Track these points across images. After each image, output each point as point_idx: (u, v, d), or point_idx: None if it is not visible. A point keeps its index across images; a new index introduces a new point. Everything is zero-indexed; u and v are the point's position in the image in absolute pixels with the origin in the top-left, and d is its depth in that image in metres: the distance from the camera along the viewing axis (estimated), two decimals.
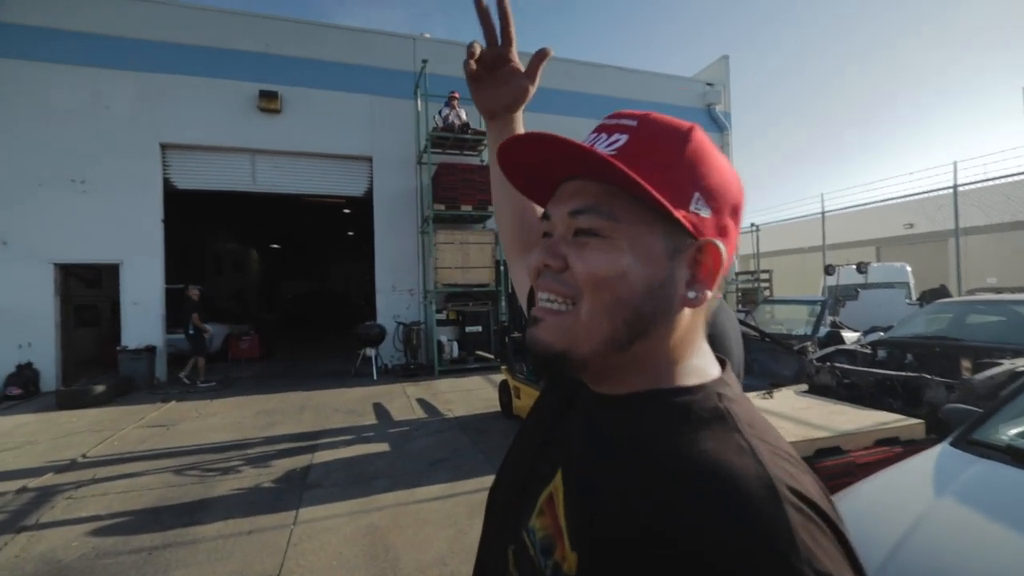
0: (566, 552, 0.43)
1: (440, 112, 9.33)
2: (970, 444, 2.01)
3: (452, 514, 3.32)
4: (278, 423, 5.82)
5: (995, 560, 1.32)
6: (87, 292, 9.56)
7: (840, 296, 10.19)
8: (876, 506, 1.72)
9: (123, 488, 3.90)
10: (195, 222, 13.47)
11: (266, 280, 22.46)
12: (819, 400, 4.39)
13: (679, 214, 0.43)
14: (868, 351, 5.09)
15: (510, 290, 6.39)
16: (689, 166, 0.45)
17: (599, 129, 0.48)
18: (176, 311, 8.69)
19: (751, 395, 4.59)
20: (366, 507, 3.46)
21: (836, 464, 2.56)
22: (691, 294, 0.45)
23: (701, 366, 0.48)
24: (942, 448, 2.06)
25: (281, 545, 2.96)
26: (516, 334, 5.90)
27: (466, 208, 9.00)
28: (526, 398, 5.24)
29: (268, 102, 9.08)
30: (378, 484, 3.88)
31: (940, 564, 1.38)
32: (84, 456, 4.73)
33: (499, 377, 6.64)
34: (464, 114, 9.40)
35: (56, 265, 8.06)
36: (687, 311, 0.46)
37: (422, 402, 6.72)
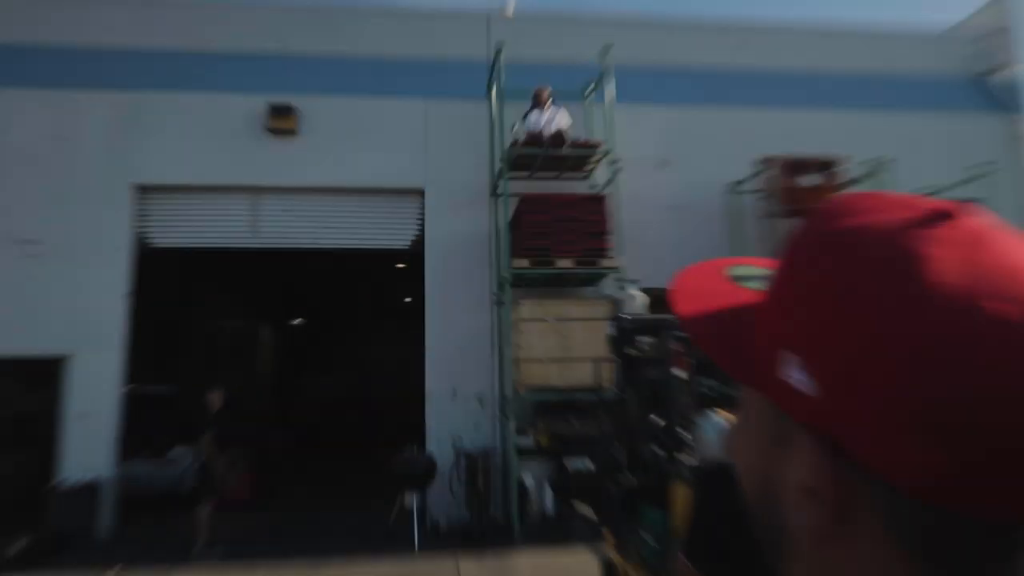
0: None
1: (524, 118, 9.31)
2: None
3: None
4: None
5: None
6: (25, 398, 9.92)
7: None
8: None
9: None
10: (178, 292, 14.16)
11: (280, 375, 22.76)
12: None
13: (764, 383, 0.47)
14: None
15: (620, 391, 6.08)
16: (784, 318, 0.47)
17: None
18: (139, 428, 8.78)
19: None
20: None
21: None
22: (797, 515, 0.46)
23: None
24: None
25: None
26: (628, 478, 5.54)
27: (565, 264, 8.83)
28: None
29: (280, 120, 9.55)
30: None
31: None
32: None
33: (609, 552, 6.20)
34: (562, 118, 9.31)
35: None
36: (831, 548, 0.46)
37: None
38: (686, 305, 0.56)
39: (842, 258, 0.43)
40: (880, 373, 0.39)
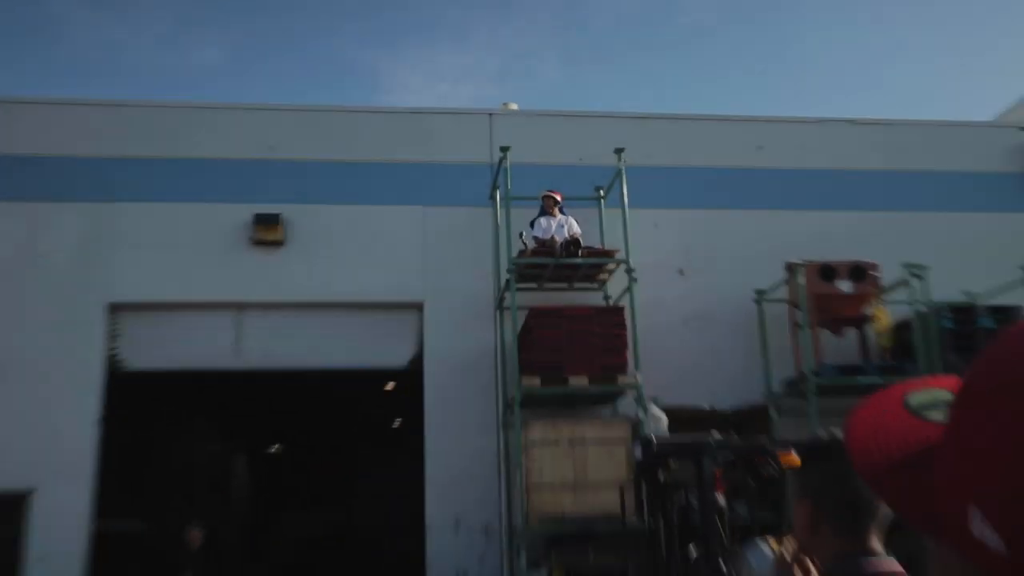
0: None
1: (532, 224, 10.16)
2: None
3: None
4: None
5: None
6: None
7: None
8: None
9: None
10: (150, 418, 14.94)
11: (260, 508, 23.44)
12: None
13: (951, 536, 0.51)
14: None
15: (649, 520, 6.57)
16: (966, 467, 0.50)
17: None
18: (110, 566, 9.40)
19: None
20: None
21: None
22: None
23: None
24: None
25: None
26: None
27: (579, 381, 9.41)
28: None
29: (266, 231, 10.65)
30: None
31: None
32: None
33: None
34: (572, 224, 10.20)
35: None
36: None
37: None
38: (868, 454, 0.62)
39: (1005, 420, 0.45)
40: None
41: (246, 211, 10.78)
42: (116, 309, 10.57)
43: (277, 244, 10.75)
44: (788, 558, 1.81)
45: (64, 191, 10.70)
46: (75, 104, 11.43)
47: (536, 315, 9.78)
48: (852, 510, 1.65)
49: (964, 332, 10.26)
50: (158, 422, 15.74)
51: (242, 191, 10.93)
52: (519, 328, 9.95)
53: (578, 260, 10.08)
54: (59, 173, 10.77)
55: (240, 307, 10.81)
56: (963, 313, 10.46)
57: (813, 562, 1.73)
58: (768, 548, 4.64)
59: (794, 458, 5.96)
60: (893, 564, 1.64)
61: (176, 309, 10.77)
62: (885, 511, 1.68)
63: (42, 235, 10.54)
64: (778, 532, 5.65)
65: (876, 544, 1.67)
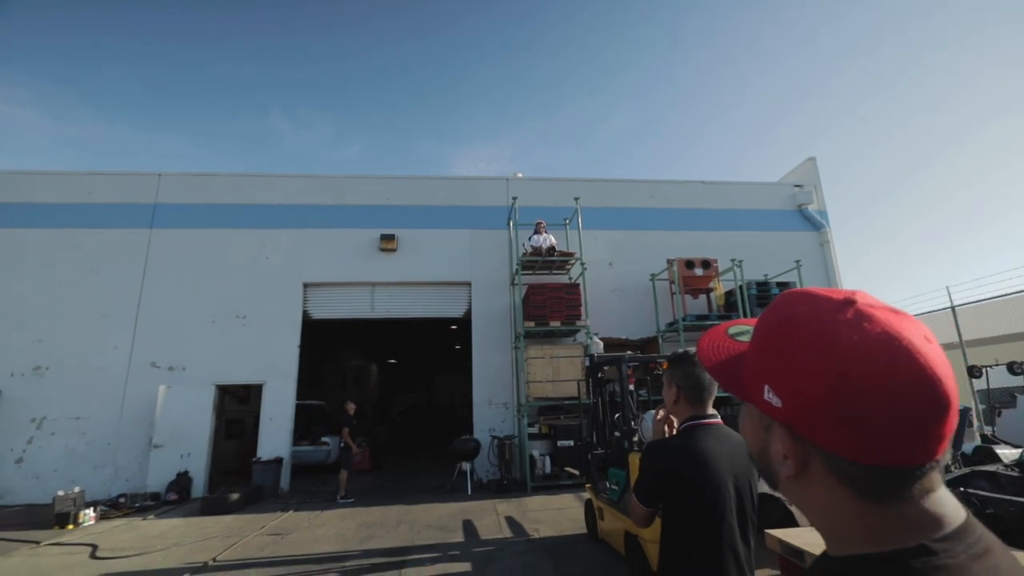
0: None
1: (530, 238, 10.14)
2: None
3: None
4: (376, 536, 6.04)
5: None
6: (237, 408, 11.01)
7: (995, 403, 8.61)
8: None
9: None
10: (324, 344, 15.21)
11: (382, 393, 24.04)
12: None
13: (753, 400, 0.54)
14: (1015, 473, 4.24)
15: (592, 399, 6.22)
16: (760, 363, 0.52)
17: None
18: (301, 425, 9.54)
19: None
20: None
21: None
22: (779, 467, 0.52)
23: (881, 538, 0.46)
24: None
25: None
26: (599, 450, 5.69)
27: (555, 324, 9.28)
28: (610, 520, 4.95)
29: (387, 243, 10.54)
30: None
31: None
32: (214, 560, 5.29)
33: (588, 496, 6.33)
34: (551, 239, 10.12)
35: (216, 386, 9.50)
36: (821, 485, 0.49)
37: (510, 520, 6.59)
38: (708, 359, 0.62)
39: (793, 331, 0.49)
40: (811, 394, 0.46)
41: (376, 233, 10.68)
42: (307, 286, 10.47)
43: (393, 251, 10.63)
44: (661, 419, 1.77)
45: (279, 222, 10.59)
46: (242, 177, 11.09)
47: (532, 288, 9.64)
48: (699, 390, 1.63)
49: (762, 296, 10.09)
50: (326, 348, 15.72)
51: (374, 221, 10.80)
52: (523, 295, 9.87)
53: (554, 258, 9.97)
54: (275, 213, 10.67)
55: (373, 284, 10.69)
56: (762, 286, 10.31)
57: (676, 421, 1.70)
58: (652, 414, 4.36)
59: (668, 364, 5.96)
60: (719, 419, 1.65)
61: (338, 286, 10.63)
62: (717, 389, 1.66)
63: (269, 246, 10.48)
64: (660, 405, 5.47)
65: (712, 410, 1.65)
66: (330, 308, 10.57)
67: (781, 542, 3.86)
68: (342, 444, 8.60)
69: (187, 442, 8.99)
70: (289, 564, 5.10)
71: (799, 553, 3.61)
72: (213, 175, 10.89)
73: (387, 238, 10.53)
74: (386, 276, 10.56)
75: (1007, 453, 5.92)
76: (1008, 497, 3.75)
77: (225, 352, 9.68)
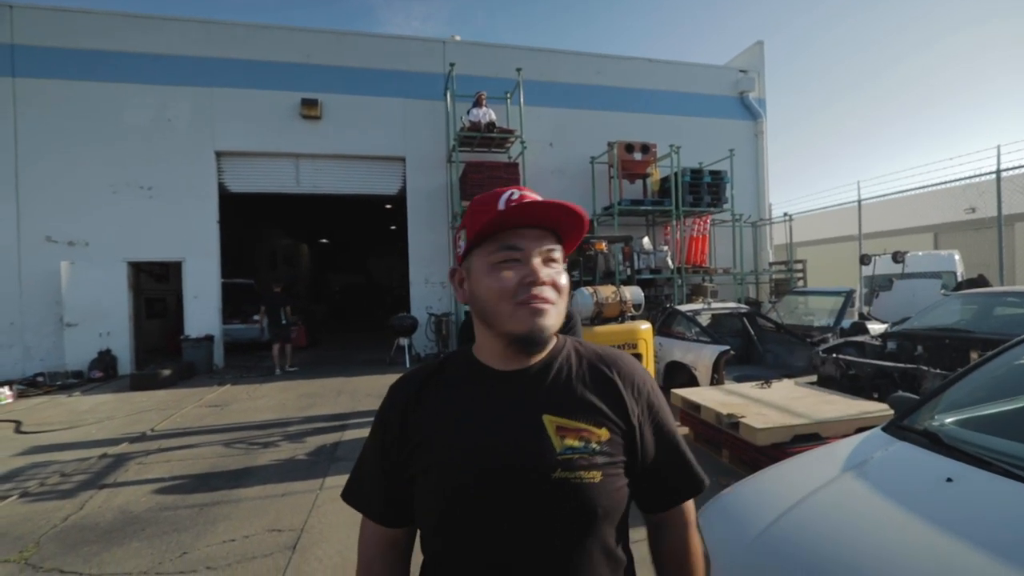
0: (597, 432, 0.71)
1: (468, 112, 9.63)
2: (899, 429, 2.01)
3: None
4: (317, 405, 6.38)
5: (869, 529, 1.39)
6: (156, 287, 10.53)
7: (876, 287, 9.85)
8: (784, 481, 1.87)
9: (182, 457, 4.51)
10: (249, 221, 14.40)
11: (315, 273, 23.61)
12: (816, 391, 4.50)
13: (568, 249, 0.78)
14: (878, 343, 5.07)
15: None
16: (467, 216, 0.78)
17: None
18: (232, 303, 9.40)
19: (749, 384, 4.72)
20: None
21: (808, 449, 2.64)
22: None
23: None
24: (872, 432, 2.08)
25: (307, 506, 3.43)
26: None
27: None
28: None
29: (309, 109, 9.65)
30: None
31: (814, 532, 1.46)
32: (152, 430, 5.42)
33: None
34: (492, 113, 9.65)
35: (128, 263, 8.97)
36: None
37: None
38: (471, 220, 0.76)
39: (476, 207, 0.74)
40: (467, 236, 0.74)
41: (296, 96, 9.74)
42: (221, 155, 9.64)
43: (317, 118, 9.80)
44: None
45: (182, 79, 9.33)
46: (169, 19, 9.55)
47: (470, 166, 9.45)
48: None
49: (695, 184, 10.45)
50: (251, 226, 14.95)
51: (293, 83, 9.78)
52: (460, 174, 9.69)
53: (494, 135, 9.56)
54: (176, 66, 9.31)
55: (297, 156, 9.99)
56: (696, 173, 10.63)
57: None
58: (587, 291, 4.68)
59: (602, 245, 6.46)
60: None
61: (257, 156, 9.86)
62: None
63: (170, 107, 9.31)
64: (592, 283, 5.90)
65: None
66: (250, 181, 9.86)
67: (683, 399, 4.53)
68: (284, 320, 8.75)
69: (105, 320, 8.66)
70: (230, 431, 5.33)
71: (696, 407, 4.29)
72: (84, 12, 9.10)
73: (309, 103, 9.64)
74: (311, 147, 9.87)
75: (875, 328, 6.96)
76: (866, 360, 4.56)
77: (133, 227, 8.99)
